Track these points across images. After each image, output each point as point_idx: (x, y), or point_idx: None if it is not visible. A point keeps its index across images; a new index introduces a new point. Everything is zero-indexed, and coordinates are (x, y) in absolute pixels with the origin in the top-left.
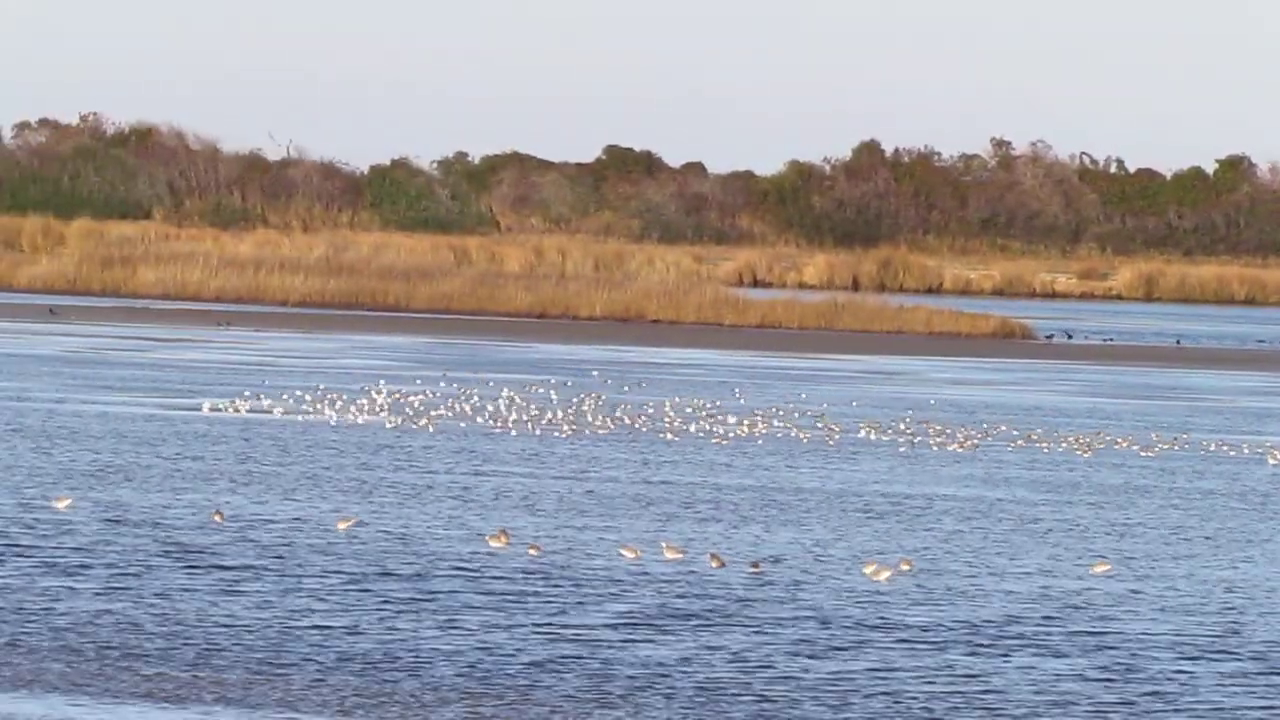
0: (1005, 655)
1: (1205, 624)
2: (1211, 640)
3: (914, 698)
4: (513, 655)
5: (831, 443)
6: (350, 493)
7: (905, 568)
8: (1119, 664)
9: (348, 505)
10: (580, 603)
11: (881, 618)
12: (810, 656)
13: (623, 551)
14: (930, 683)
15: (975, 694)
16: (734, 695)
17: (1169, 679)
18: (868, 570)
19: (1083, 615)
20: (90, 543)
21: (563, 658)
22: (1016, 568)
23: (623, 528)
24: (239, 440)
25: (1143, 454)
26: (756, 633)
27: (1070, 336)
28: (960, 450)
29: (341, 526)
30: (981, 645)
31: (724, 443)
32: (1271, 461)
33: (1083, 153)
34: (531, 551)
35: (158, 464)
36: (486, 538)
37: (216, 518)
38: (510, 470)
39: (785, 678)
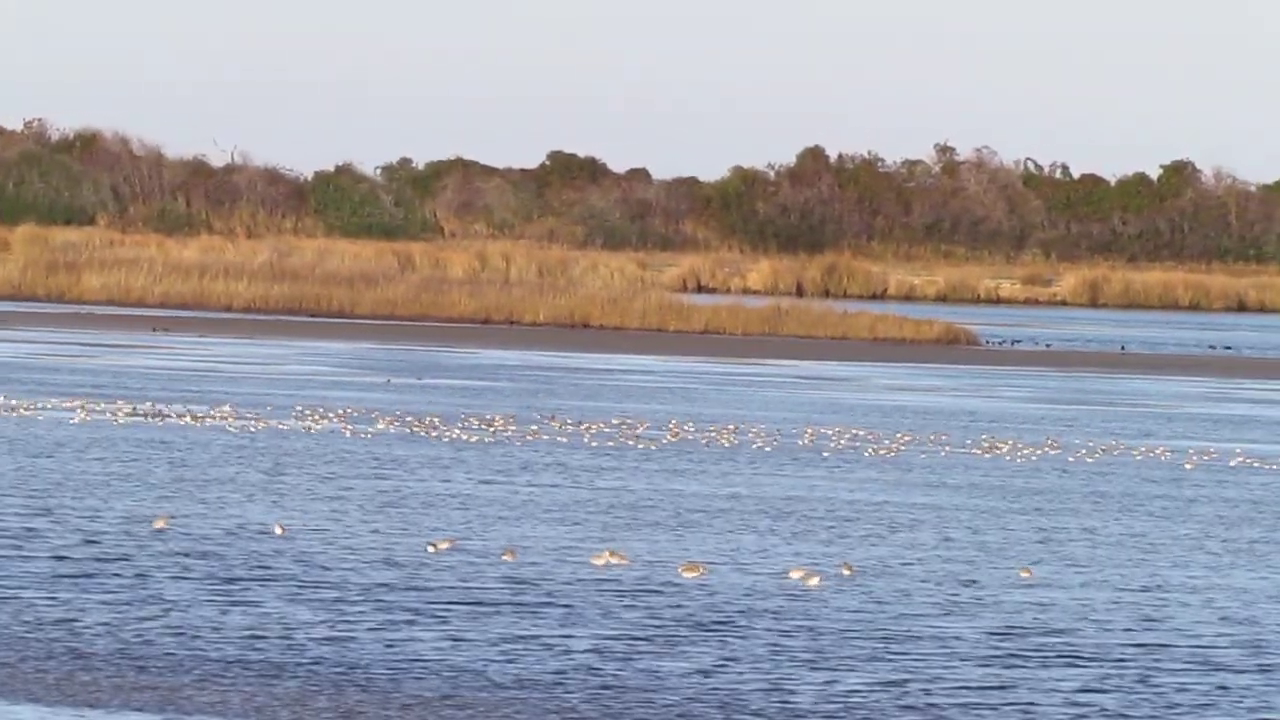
0: (1017, 666)
1: (1210, 635)
2: (1226, 651)
3: (950, 708)
4: (512, 666)
5: (769, 449)
6: (285, 498)
7: (846, 572)
8: (1135, 675)
9: (284, 512)
10: (569, 612)
11: (883, 627)
12: (826, 668)
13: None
14: (960, 693)
15: (1006, 706)
16: (760, 712)
17: (1186, 689)
18: (795, 575)
19: (1076, 625)
20: (15, 547)
21: (569, 670)
22: (985, 576)
23: (582, 535)
24: (187, 447)
25: (1085, 459)
26: (766, 644)
27: (1018, 343)
28: (893, 456)
29: (279, 531)
30: (993, 657)
31: (653, 446)
32: (1188, 465)
33: (1027, 158)
34: (507, 558)
35: (97, 470)
36: (430, 545)
37: (159, 524)
38: (458, 476)
39: (813, 690)
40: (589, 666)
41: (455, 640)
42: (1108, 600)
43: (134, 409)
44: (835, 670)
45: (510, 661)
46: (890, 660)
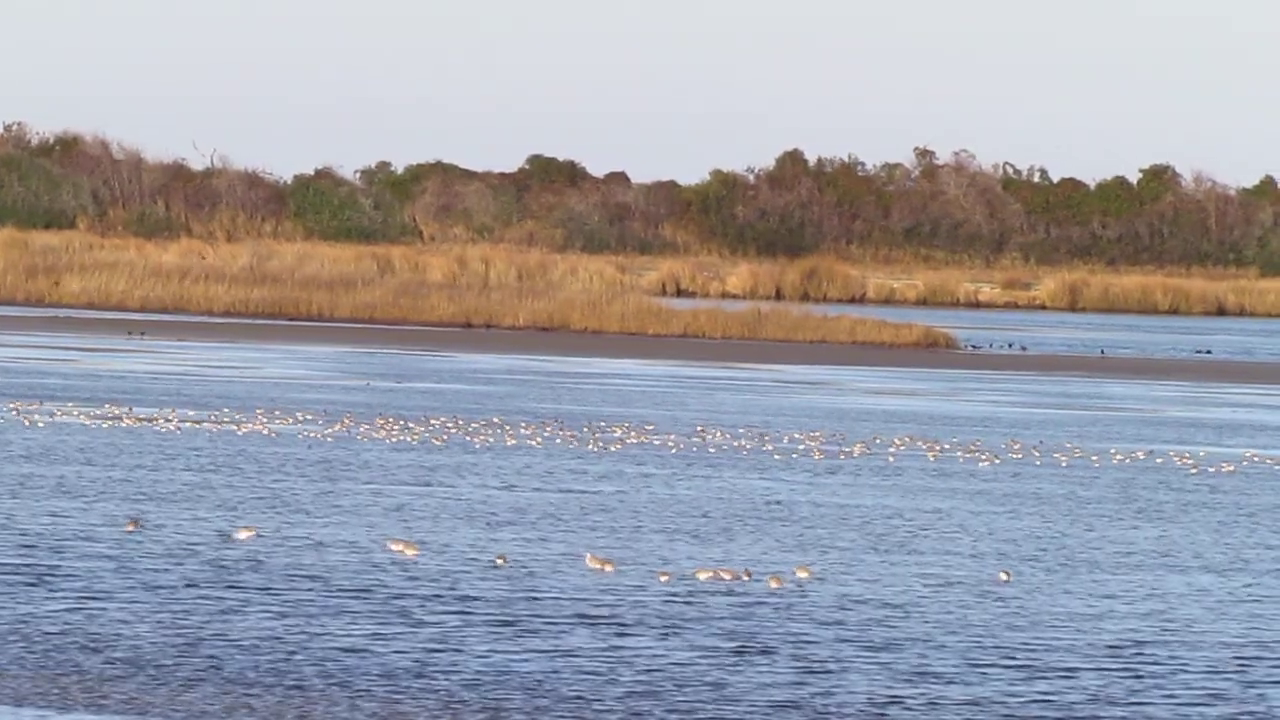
0: (1118, 682)
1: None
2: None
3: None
4: (563, 678)
5: (743, 452)
6: (249, 505)
7: (803, 574)
8: (1251, 696)
9: (253, 518)
10: (578, 617)
11: (967, 639)
12: (923, 681)
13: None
14: (1064, 711)
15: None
16: None
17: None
18: (801, 574)
19: (1164, 638)
20: (32, 556)
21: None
22: (1041, 585)
23: (568, 540)
24: (161, 452)
25: (1085, 462)
26: (846, 656)
27: (1010, 346)
28: (863, 458)
29: (243, 536)
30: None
31: (619, 447)
32: (1189, 469)
33: (1006, 162)
34: (499, 561)
35: (75, 474)
36: (394, 544)
37: (130, 527)
38: (441, 480)
39: (918, 705)
40: (634, 676)
41: (498, 651)
42: (1189, 613)
43: (116, 412)
44: (936, 684)
45: (563, 674)
46: (979, 675)
